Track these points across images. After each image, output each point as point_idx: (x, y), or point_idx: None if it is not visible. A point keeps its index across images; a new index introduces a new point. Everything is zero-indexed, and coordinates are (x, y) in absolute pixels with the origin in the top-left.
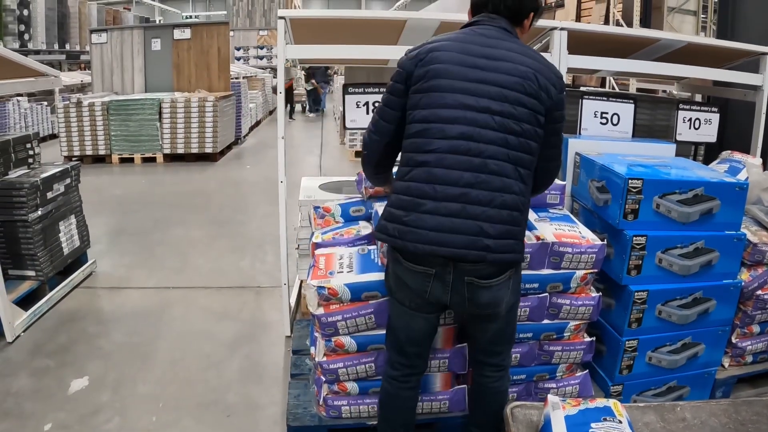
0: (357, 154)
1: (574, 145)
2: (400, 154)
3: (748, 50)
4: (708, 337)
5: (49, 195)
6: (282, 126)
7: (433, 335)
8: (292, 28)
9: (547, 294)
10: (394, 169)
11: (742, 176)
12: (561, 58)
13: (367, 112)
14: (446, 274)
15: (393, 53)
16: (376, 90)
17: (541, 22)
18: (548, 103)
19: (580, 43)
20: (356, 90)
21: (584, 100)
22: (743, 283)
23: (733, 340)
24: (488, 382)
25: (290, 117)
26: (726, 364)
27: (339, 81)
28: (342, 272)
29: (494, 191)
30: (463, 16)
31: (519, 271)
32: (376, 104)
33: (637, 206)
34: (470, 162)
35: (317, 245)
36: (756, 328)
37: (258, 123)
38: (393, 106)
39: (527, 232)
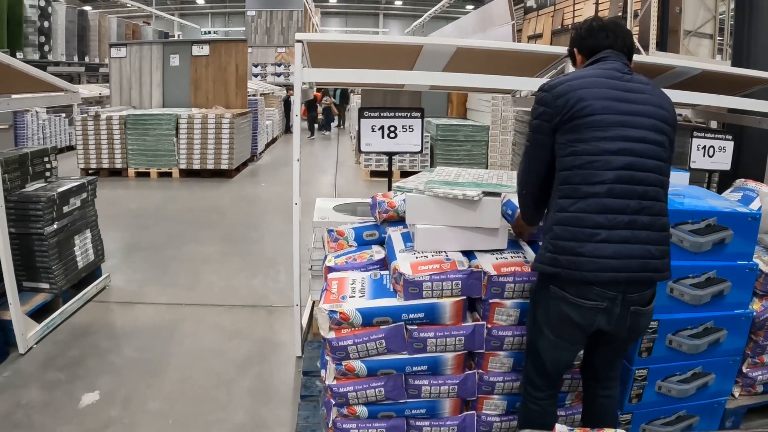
0: (372, 174)
1: None
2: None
3: (763, 77)
4: (718, 366)
5: (65, 209)
6: (297, 147)
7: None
8: (309, 52)
9: None
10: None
11: (755, 205)
12: None
13: (382, 136)
14: (615, 307)
15: (408, 78)
16: (392, 114)
17: (556, 49)
18: (674, 130)
19: None
20: (372, 114)
21: None
22: (755, 313)
23: (744, 370)
24: (613, 393)
25: (311, 135)
26: (736, 394)
27: (356, 100)
28: (354, 297)
29: (654, 215)
30: (479, 42)
31: None
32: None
33: None
34: (635, 190)
35: (330, 269)
36: (767, 358)
37: (274, 140)
38: (543, 146)
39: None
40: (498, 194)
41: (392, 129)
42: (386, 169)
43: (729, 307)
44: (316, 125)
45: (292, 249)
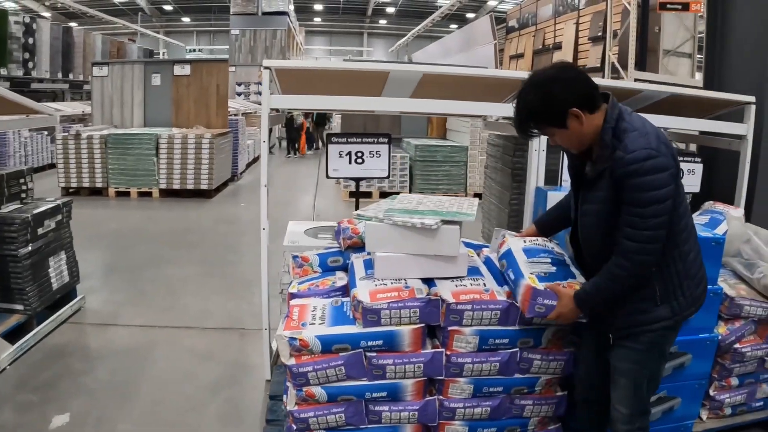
0: (351, 194)
1: (554, 198)
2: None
3: (733, 100)
4: (684, 390)
5: (40, 231)
6: (265, 173)
7: None
8: (279, 78)
9: (517, 349)
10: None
11: (722, 228)
12: None
13: (350, 162)
14: None
15: (375, 105)
16: (359, 140)
17: (522, 74)
18: None
19: None
20: (339, 140)
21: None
22: (720, 337)
23: (711, 393)
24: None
25: (290, 154)
26: (704, 417)
27: (337, 120)
28: (314, 324)
29: None
30: (444, 68)
31: None
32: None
33: None
34: None
35: (293, 295)
36: (734, 381)
37: (255, 159)
38: (669, 211)
39: (502, 288)
40: (457, 222)
41: (359, 155)
42: (365, 189)
43: (693, 331)
44: (296, 145)
45: (263, 275)
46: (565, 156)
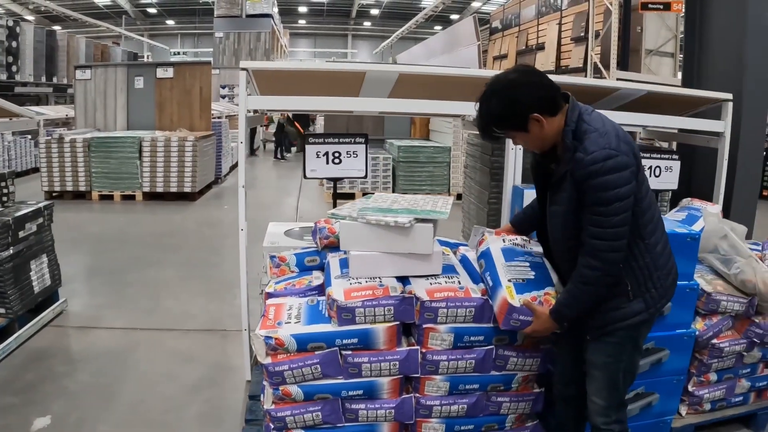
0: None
1: (530, 196)
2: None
3: (710, 97)
4: (662, 386)
5: (21, 234)
6: (243, 174)
7: None
8: (256, 79)
9: (493, 346)
10: None
11: (698, 225)
12: None
13: (327, 162)
14: None
15: (353, 105)
16: (336, 140)
17: (493, 73)
18: None
19: None
20: (316, 140)
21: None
22: (697, 332)
23: (690, 389)
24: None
25: (278, 157)
26: (683, 413)
27: (321, 122)
28: (290, 323)
29: None
30: (420, 68)
31: None
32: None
33: None
34: None
35: (269, 295)
36: (713, 377)
37: None
38: (631, 207)
39: (477, 286)
40: (431, 221)
41: (336, 155)
42: (347, 191)
43: (670, 327)
44: (281, 148)
45: (244, 275)
46: None
